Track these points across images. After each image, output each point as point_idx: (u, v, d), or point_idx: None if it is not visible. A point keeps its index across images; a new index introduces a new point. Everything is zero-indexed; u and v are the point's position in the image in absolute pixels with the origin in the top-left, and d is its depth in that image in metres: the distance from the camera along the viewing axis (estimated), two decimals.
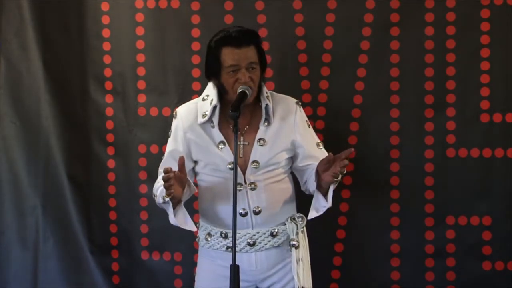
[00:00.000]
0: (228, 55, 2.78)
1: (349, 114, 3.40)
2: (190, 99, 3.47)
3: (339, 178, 2.73)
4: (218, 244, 2.89)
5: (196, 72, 3.49)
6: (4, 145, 3.62)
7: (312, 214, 2.83)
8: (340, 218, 3.42)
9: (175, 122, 2.96)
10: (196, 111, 2.90)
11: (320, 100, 3.42)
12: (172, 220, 2.79)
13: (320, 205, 2.82)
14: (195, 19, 3.48)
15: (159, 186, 2.79)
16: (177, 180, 2.69)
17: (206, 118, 2.85)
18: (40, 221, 3.61)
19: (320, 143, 2.97)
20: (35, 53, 3.55)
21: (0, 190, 3.63)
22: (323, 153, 2.90)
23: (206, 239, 2.94)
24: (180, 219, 2.79)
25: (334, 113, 3.42)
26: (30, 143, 3.61)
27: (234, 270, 2.44)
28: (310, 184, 2.89)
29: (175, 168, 2.72)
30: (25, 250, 3.64)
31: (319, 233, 3.22)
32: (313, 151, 2.92)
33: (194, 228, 2.85)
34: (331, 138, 3.35)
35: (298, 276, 2.82)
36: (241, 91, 2.74)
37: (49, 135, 3.58)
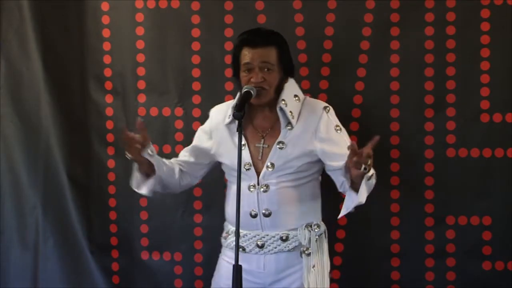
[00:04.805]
0: (244, 54, 2.82)
1: (349, 114, 3.39)
2: (190, 99, 3.50)
3: (366, 169, 2.53)
4: (233, 243, 2.87)
5: (196, 72, 3.49)
6: (4, 145, 3.61)
7: (342, 212, 2.70)
8: (340, 218, 3.41)
9: (207, 121, 3.04)
10: (225, 112, 2.93)
11: (320, 100, 3.41)
12: (132, 182, 2.96)
13: (351, 202, 2.67)
14: (195, 19, 3.47)
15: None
16: (130, 140, 2.80)
17: (230, 119, 2.87)
18: (40, 221, 3.61)
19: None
20: (35, 53, 3.55)
21: (0, 190, 3.63)
22: None
23: (225, 238, 2.97)
24: (137, 182, 2.93)
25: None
26: (30, 143, 3.60)
27: (237, 270, 2.42)
28: (346, 184, 2.75)
29: (191, 159, 3.02)
30: (25, 250, 3.63)
31: None
32: (344, 152, 2.68)
33: (146, 193, 2.95)
34: None
35: (308, 283, 2.78)
36: (245, 91, 2.74)
37: (49, 135, 3.58)
